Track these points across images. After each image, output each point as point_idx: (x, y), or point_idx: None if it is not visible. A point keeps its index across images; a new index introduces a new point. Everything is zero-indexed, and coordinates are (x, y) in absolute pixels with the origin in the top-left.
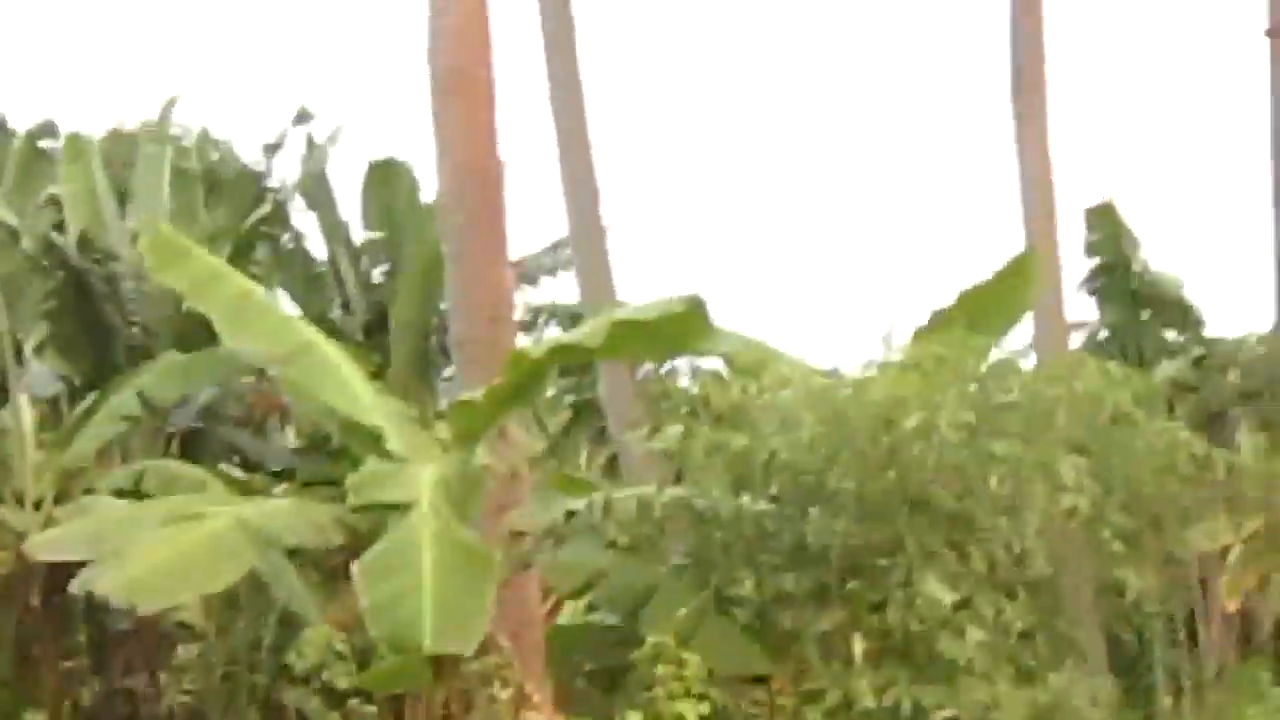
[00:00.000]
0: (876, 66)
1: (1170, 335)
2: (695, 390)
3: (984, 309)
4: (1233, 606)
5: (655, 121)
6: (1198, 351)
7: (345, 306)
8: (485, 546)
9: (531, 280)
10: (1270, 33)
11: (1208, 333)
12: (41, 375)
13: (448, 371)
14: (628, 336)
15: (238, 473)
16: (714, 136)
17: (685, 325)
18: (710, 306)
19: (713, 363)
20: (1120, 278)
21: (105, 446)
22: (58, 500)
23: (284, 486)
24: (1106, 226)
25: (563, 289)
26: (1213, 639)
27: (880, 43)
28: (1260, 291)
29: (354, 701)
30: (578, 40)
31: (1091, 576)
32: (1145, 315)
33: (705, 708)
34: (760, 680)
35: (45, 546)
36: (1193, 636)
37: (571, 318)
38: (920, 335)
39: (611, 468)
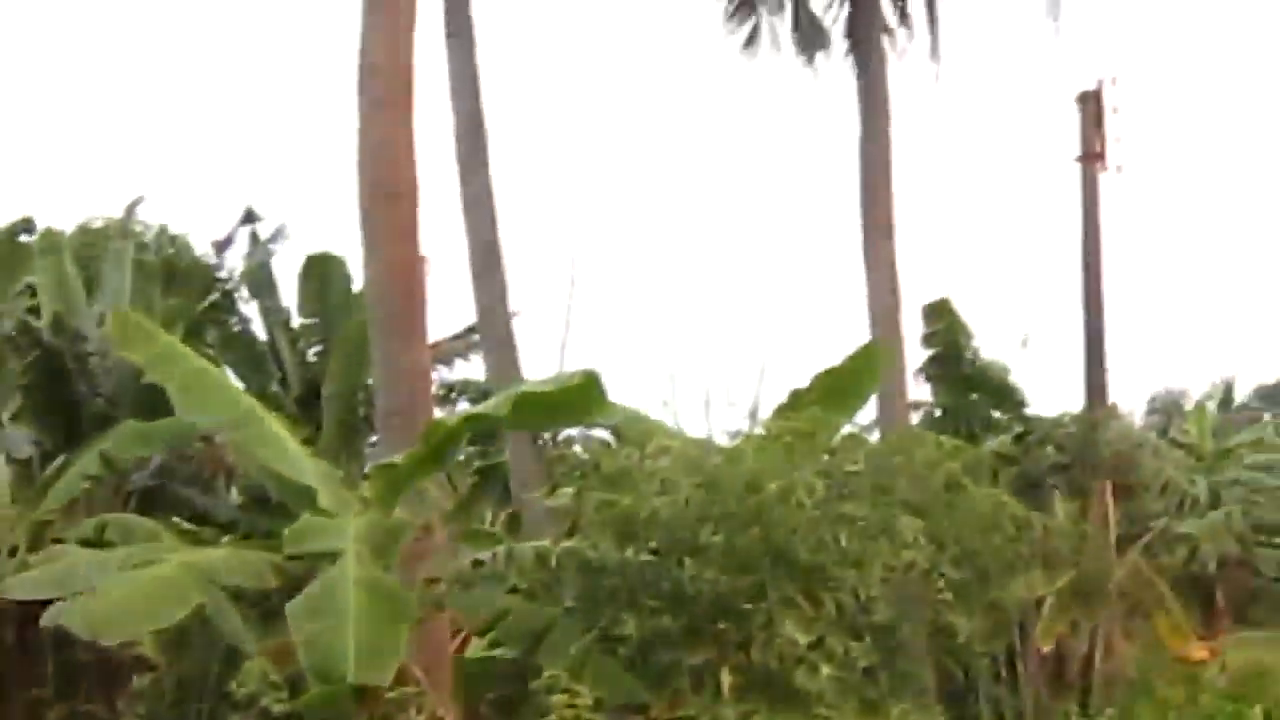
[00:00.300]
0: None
1: (996, 414)
2: (587, 456)
3: (836, 390)
4: (1046, 648)
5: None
6: (1019, 429)
7: (283, 382)
8: (402, 590)
9: (447, 361)
10: (1080, 159)
11: (1028, 412)
12: (17, 439)
13: (372, 439)
14: (530, 408)
15: (188, 525)
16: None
17: (581, 398)
18: (604, 380)
19: (603, 433)
20: (953, 364)
21: (72, 501)
22: (30, 548)
23: (228, 538)
24: (943, 320)
25: (473, 368)
26: (1030, 675)
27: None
28: (1073, 377)
29: None
30: (489, 157)
31: (926, 621)
32: (975, 397)
33: None
34: (641, 709)
35: (18, 587)
36: (1013, 673)
37: (481, 393)
38: (781, 411)
39: (513, 523)
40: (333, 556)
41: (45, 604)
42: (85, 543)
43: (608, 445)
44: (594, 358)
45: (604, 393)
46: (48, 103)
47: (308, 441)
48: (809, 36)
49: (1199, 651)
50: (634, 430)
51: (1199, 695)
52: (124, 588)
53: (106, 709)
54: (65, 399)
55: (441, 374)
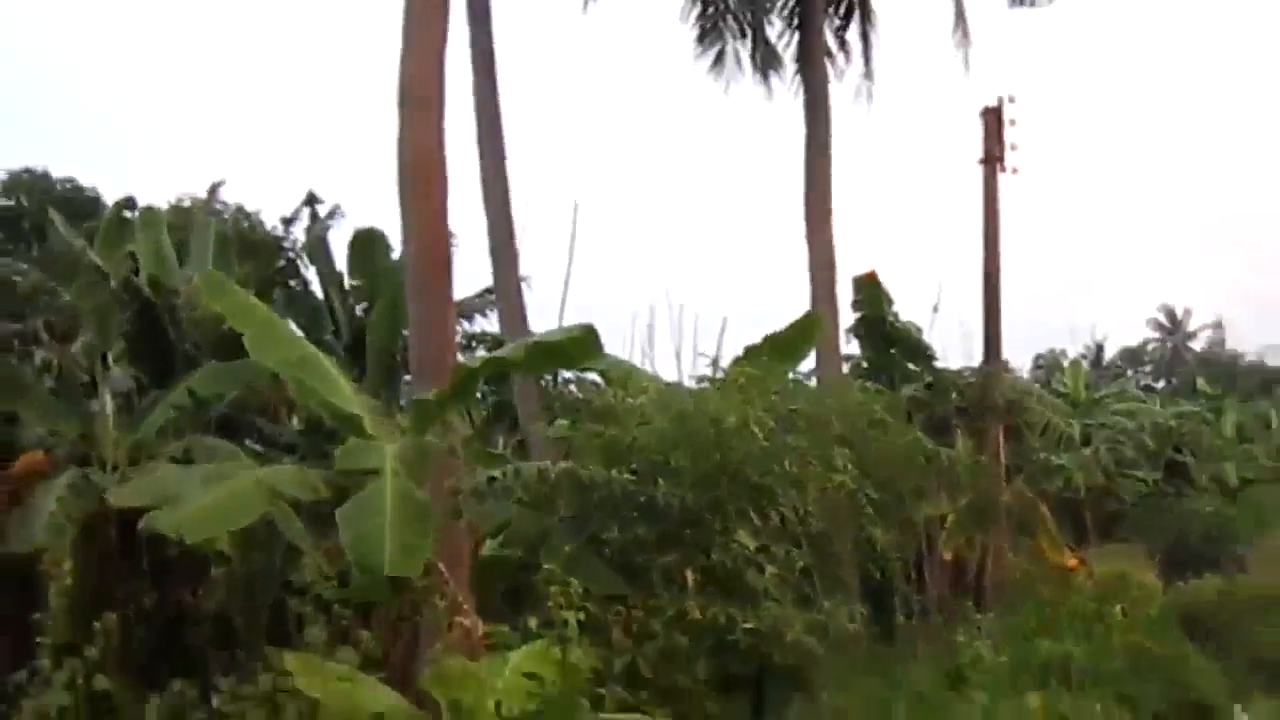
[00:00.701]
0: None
1: (911, 367)
2: (582, 396)
3: (782, 346)
4: (948, 556)
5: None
6: (930, 379)
7: (335, 333)
8: (429, 501)
9: (468, 316)
10: (982, 162)
11: (937, 365)
12: (120, 378)
13: (406, 379)
14: (536, 355)
15: (258, 448)
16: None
17: (578, 348)
18: (598, 334)
19: (594, 376)
20: (877, 326)
21: (164, 427)
22: (130, 465)
23: (290, 458)
24: (869, 289)
25: (489, 323)
26: (934, 579)
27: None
28: (974, 338)
29: (337, 608)
30: (506, 149)
31: (852, 533)
32: (894, 352)
33: (583, 616)
34: (620, 599)
35: (120, 497)
36: (921, 577)
37: (496, 342)
38: (738, 361)
39: (520, 449)
40: (375, 473)
41: (142, 511)
42: (174, 461)
43: (598, 387)
44: (587, 309)
45: (598, 343)
46: (149, 97)
47: (355, 381)
48: (765, 60)
49: (1071, 562)
50: (620, 374)
51: (1071, 596)
52: (206, 497)
53: (191, 597)
54: (159, 345)
55: (463, 326)
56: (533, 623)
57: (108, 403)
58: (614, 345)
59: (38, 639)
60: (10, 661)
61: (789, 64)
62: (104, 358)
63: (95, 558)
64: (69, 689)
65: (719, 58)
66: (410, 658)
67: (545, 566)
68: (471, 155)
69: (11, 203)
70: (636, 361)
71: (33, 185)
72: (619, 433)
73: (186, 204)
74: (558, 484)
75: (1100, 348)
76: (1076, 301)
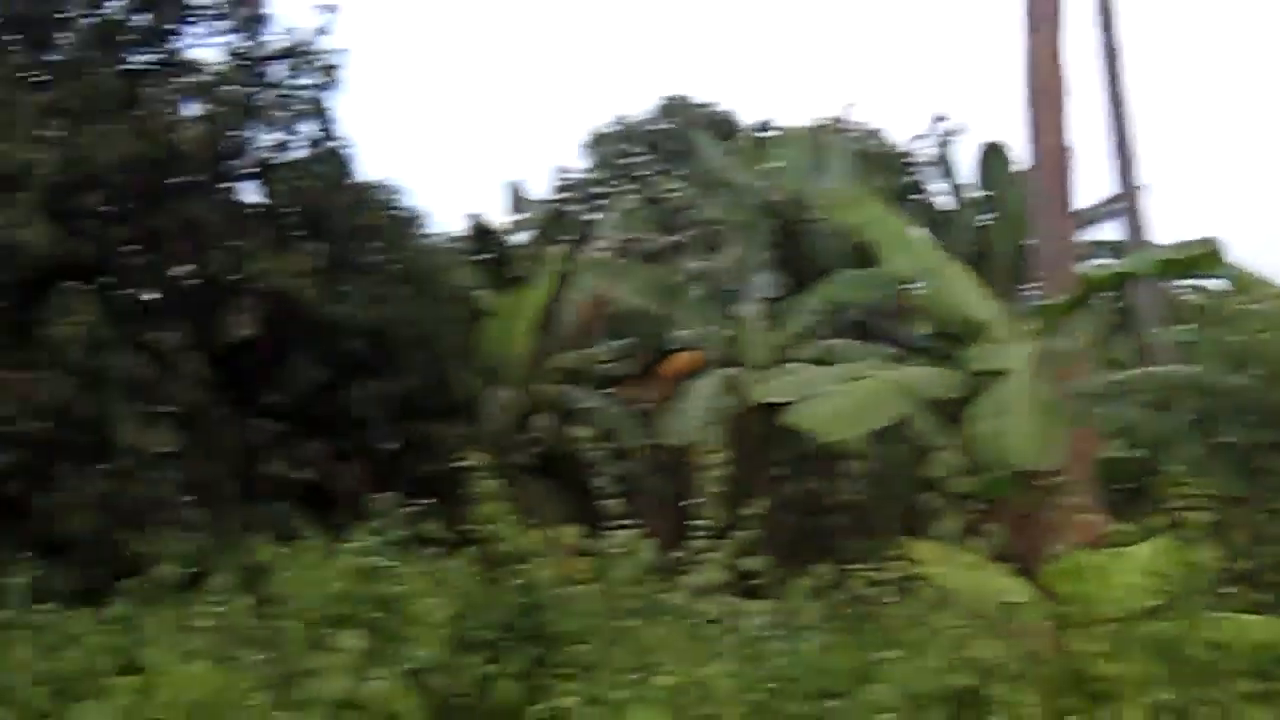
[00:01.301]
0: None
1: None
2: (1204, 302)
3: None
4: None
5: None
6: None
7: (961, 242)
8: (1058, 401)
9: (1090, 224)
10: None
11: None
12: (763, 284)
13: (1027, 286)
14: (1159, 265)
15: (889, 351)
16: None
17: (1201, 258)
18: (1222, 245)
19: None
20: None
21: (802, 331)
22: (772, 366)
23: (920, 360)
24: None
25: (1109, 232)
26: None
27: None
28: None
29: (966, 501)
30: (1123, 56)
31: None
32: None
33: (1206, 516)
34: (1241, 501)
35: (764, 393)
36: None
37: (1116, 251)
38: None
39: (1142, 354)
40: (1003, 373)
41: (783, 407)
42: (812, 362)
43: (1220, 294)
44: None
45: (1221, 254)
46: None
47: (981, 286)
48: None
49: None
50: (1242, 281)
51: None
52: (842, 396)
53: (827, 486)
54: (797, 255)
55: (1085, 235)
56: (1155, 522)
57: (752, 308)
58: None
59: (691, 522)
60: (670, 542)
61: None
62: (747, 267)
63: (741, 450)
64: (722, 567)
65: None
66: (1034, 552)
67: (1168, 468)
68: (1091, 71)
69: (665, 126)
70: (1261, 270)
71: (679, 110)
72: (1242, 338)
73: (820, 124)
74: (1180, 388)
75: None
76: None
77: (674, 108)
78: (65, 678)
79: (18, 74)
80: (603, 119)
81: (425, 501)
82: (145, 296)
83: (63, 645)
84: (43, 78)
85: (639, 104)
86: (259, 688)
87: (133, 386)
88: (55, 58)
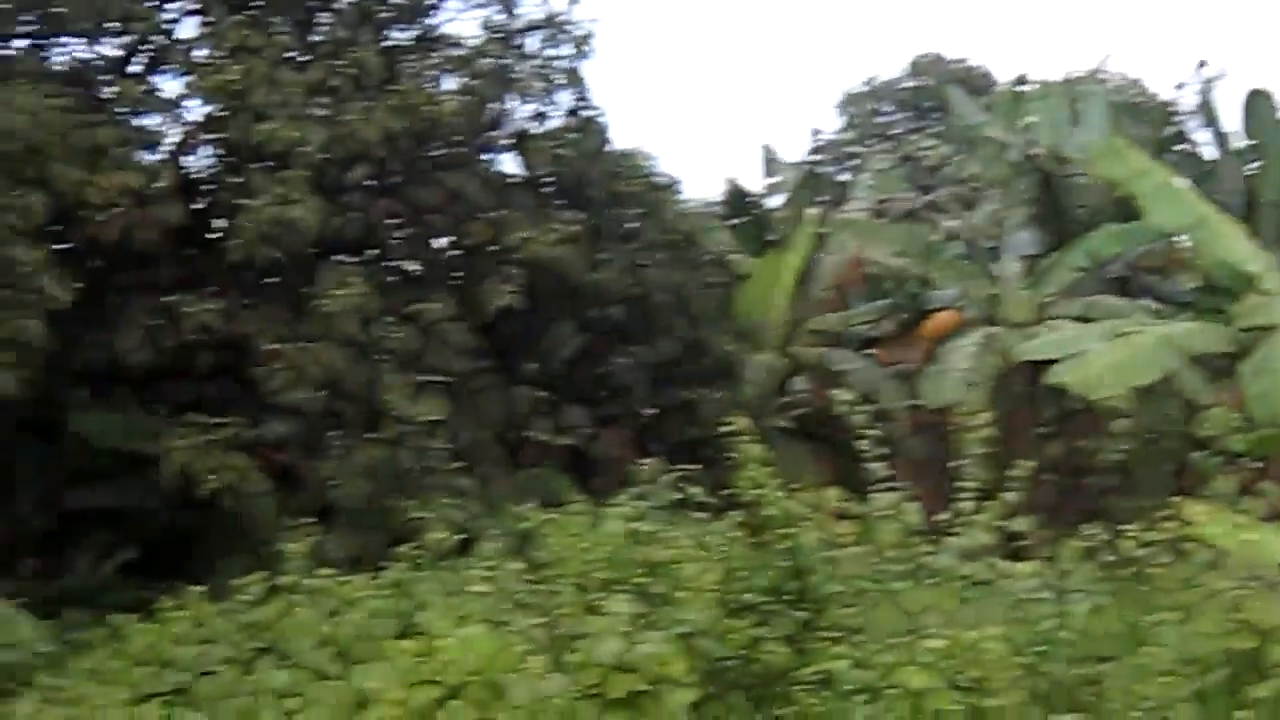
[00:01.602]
0: None
1: None
2: None
3: None
4: None
5: None
6: None
7: (1227, 192)
8: None
9: None
10: None
11: None
12: (1022, 241)
13: None
14: None
15: (1153, 306)
16: None
17: None
18: None
19: None
20: None
21: (1064, 287)
22: (1033, 323)
23: (1185, 315)
24: None
25: None
26: None
27: None
28: None
29: (1239, 460)
30: None
31: None
32: None
33: None
34: None
35: (1026, 351)
36: None
37: None
38: None
39: None
40: (1275, 328)
41: (1045, 364)
42: (1075, 319)
43: None
44: None
45: None
46: None
47: (1250, 237)
48: None
49: None
50: None
51: None
52: (1106, 354)
53: (1093, 445)
54: (1057, 209)
55: None
56: None
57: (1012, 265)
58: None
59: (955, 484)
60: (934, 504)
61: None
62: (1006, 224)
63: (1004, 410)
64: (988, 530)
65: None
66: None
67: None
68: None
69: (918, 84)
70: None
71: (931, 68)
72: None
73: (1078, 75)
74: None
75: None
76: None
77: (925, 65)
78: (346, 640)
79: (284, 55)
80: (855, 79)
81: (688, 467)
82: (410, 268)
83: (342, 609)
84: (307, 58)
85: (890, 63)
86: (533, 651)
87: (401, 357)
88: (318, 38)
